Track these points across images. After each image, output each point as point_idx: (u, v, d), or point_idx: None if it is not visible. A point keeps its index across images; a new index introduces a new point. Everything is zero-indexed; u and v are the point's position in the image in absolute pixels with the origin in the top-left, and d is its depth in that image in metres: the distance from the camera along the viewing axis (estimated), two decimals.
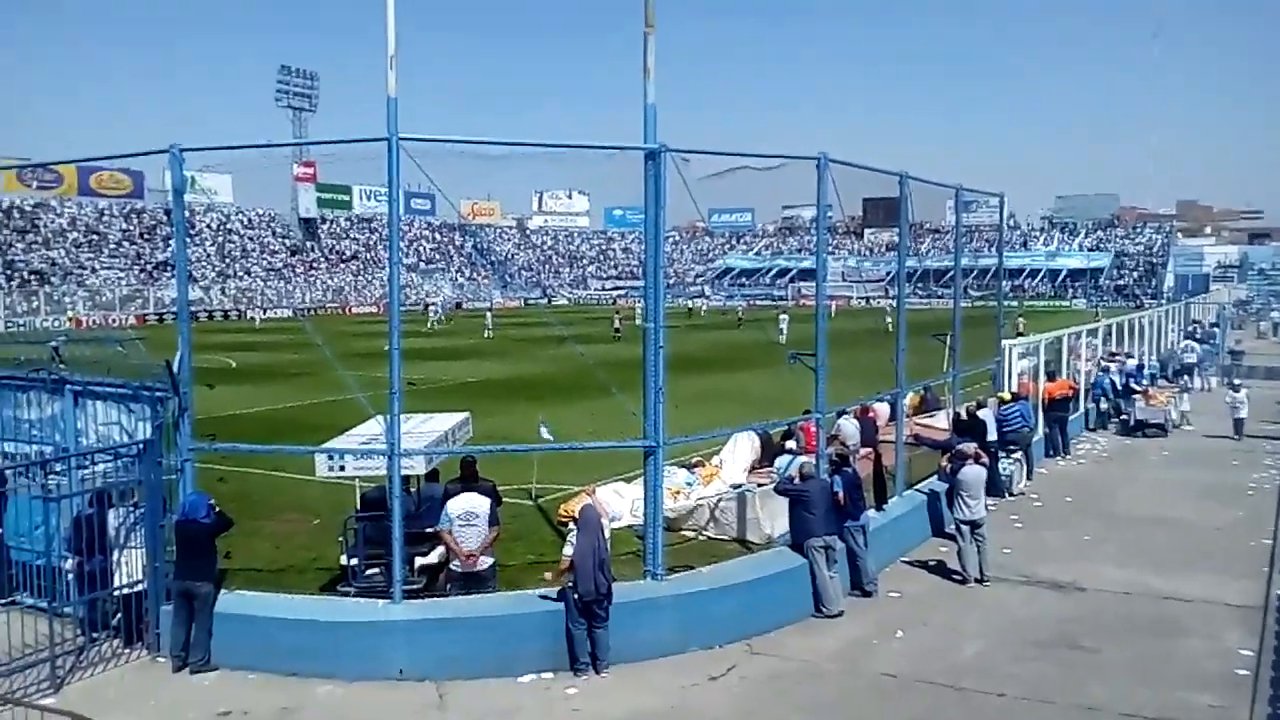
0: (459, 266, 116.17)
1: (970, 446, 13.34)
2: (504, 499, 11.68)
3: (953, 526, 12.84)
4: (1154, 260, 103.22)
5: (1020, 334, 25.50)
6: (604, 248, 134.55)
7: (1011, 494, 16.56)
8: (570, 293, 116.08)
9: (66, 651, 9.49)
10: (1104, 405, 23.41)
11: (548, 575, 10.06)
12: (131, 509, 10.02)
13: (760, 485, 13.59)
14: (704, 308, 79.60)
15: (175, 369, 9.92)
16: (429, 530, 10.35)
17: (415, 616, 9.56)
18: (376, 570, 10.31)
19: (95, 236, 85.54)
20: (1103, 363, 24.48)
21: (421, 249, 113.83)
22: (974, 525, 12.40)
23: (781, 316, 46.78)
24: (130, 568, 9.87)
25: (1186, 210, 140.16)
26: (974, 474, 12.65)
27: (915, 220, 15.88)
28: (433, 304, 75.15)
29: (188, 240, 10.93)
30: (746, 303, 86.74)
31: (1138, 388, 23.64)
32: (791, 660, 9.90)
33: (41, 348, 12.70)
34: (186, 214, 10.87)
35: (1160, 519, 15.28)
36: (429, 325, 59.28)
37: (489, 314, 59.31)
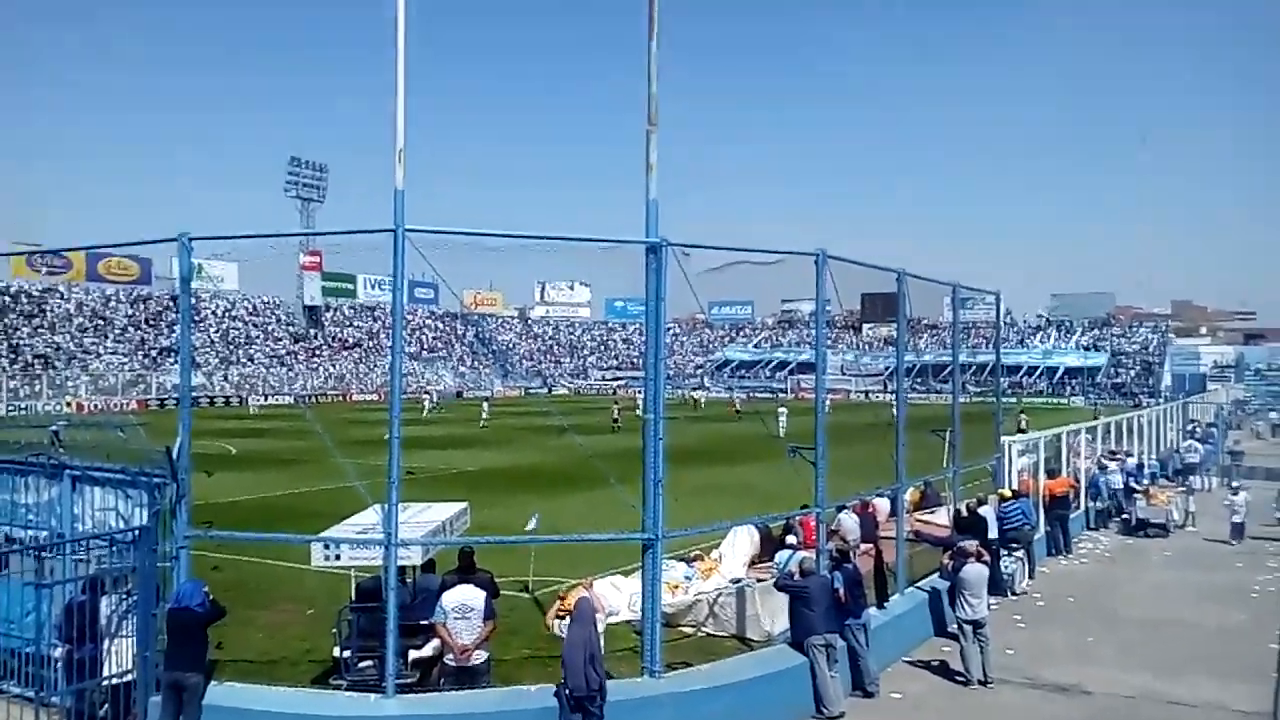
0: (460, 355, 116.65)
1: (972, 544, 13.26)
2: (501, 591, 11.57)
3: (955, 626, 12.68)
4: (1150, 359, 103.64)
5: (1022, 430, 25.48)
6: (605, 338, 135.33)
7: (1014, 593, 16.38)
8: (570, 382, 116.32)
9: None
10: (1101, 504, 23.30)
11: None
12: (124, 596, 9.91)
13: (760, 580, 13.47)
14: (703, 399, 79.64)
15: (175, 455, 9.93)
16: (424, 623, 10.22)
17: (408, 712, 9.38)
18: (370, 663, 10.15)
19: (101, 321, 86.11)
20: (1101, 461, 24.43)
21: (424, 337, 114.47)
22: (976, 625, 12.24)
23: (780, 410, 46.74)
24: (120, 657, 9.72)
25: (1181, 310, 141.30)
26: (976, 572, 12.53)
27: (913, 316, 16.03)
28: (427, 392, 75.35)
29: (192, 326, 11.02)
30: (745, 394, 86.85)
31: (1138, 487, 23.55)
32: None
33: (41, 432, 12.71)
34: (192, 301, 10.99)
35: (1164, 620, 15.09)
36: (424, 413, 59.33)
37: (485, 403, 59.30)
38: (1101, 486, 23.30)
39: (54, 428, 13.84)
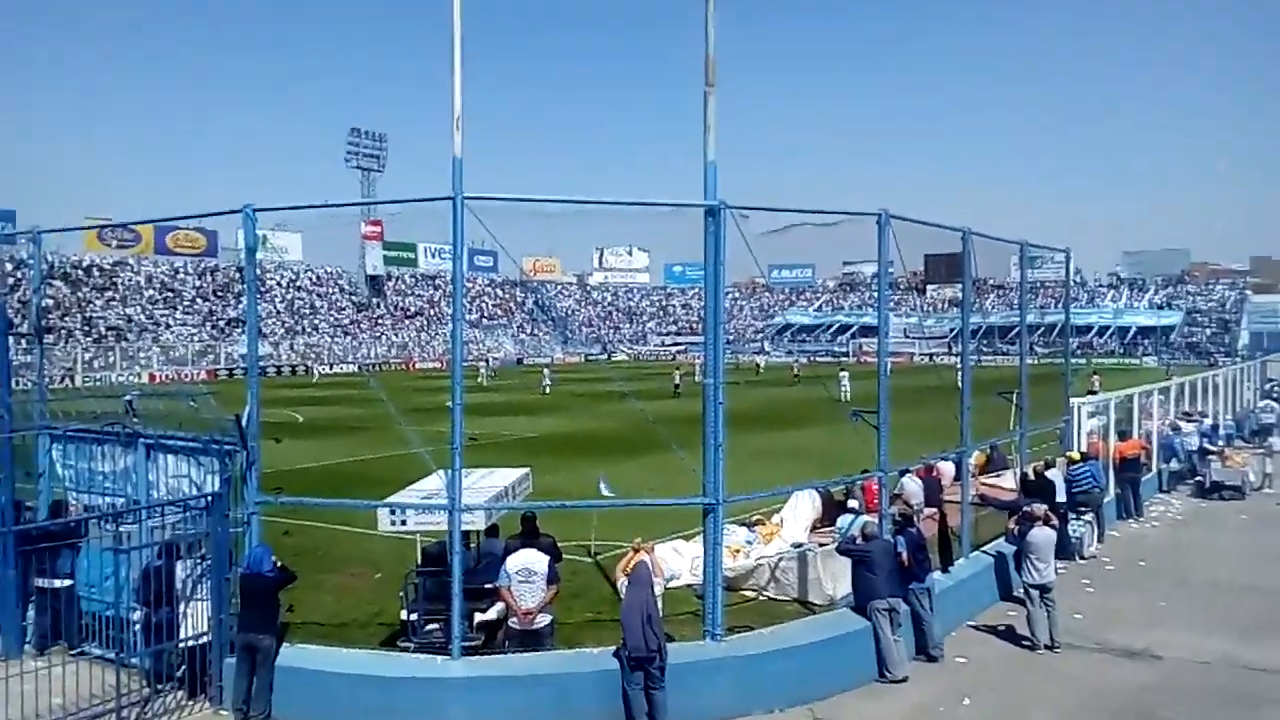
0: (520, 323, 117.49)
1: (1039, 508, 13.02)
2: (564, 555, 11.66)
3: (1021, 590, 12.50)
4: (1227, 317, 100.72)
5: (1094, 391, 24.92)
6: (663, 303, 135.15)
7: (1082, 557, 16.09)
8: (630, 348, 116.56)
9: (132, 703, 9.61)
10: (1176, 466, 22.74)
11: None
12: (199, 561, 10.18)
13: (822, 545, 13.40)
14: (764, 364, 79.28)
15: (244, 423, 10.12)
16: (488, 586, 10.36)
17: (474, 673, 9.53)
18: (436, 626, 10.32)
19: (170, 293, 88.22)
20: (1175, 422, 23.83)
21: (484, 305, 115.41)
22: (1043, 590, 12.04)
23: (842, 374, 46.31)
24: (196, 620, 10.00)
25: (1260, 265, 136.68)
26: (1043, 536, 12.32)
27: (979, 276, 15.70)
28: (484, 360, 76.04)
29: (258, 297, 11.21)
30: (806, 359, 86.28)
31: (1213, 448, 22.94)
32: None
33: (116, 402, 13.05)
34: (258, 272, 11.17)
35: (1240, 585, 14.72)
36: (479, 380, 59.87)
37: (547, 370, 59.64)
38: (1176, 448, 22.75)
39: (128, 398, 14.20)
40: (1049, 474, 16.08)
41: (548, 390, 52.77)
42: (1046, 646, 11.82)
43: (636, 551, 10.26)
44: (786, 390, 51.57)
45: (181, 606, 9.98)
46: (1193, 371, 34.96)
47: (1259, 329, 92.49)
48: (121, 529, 10.82)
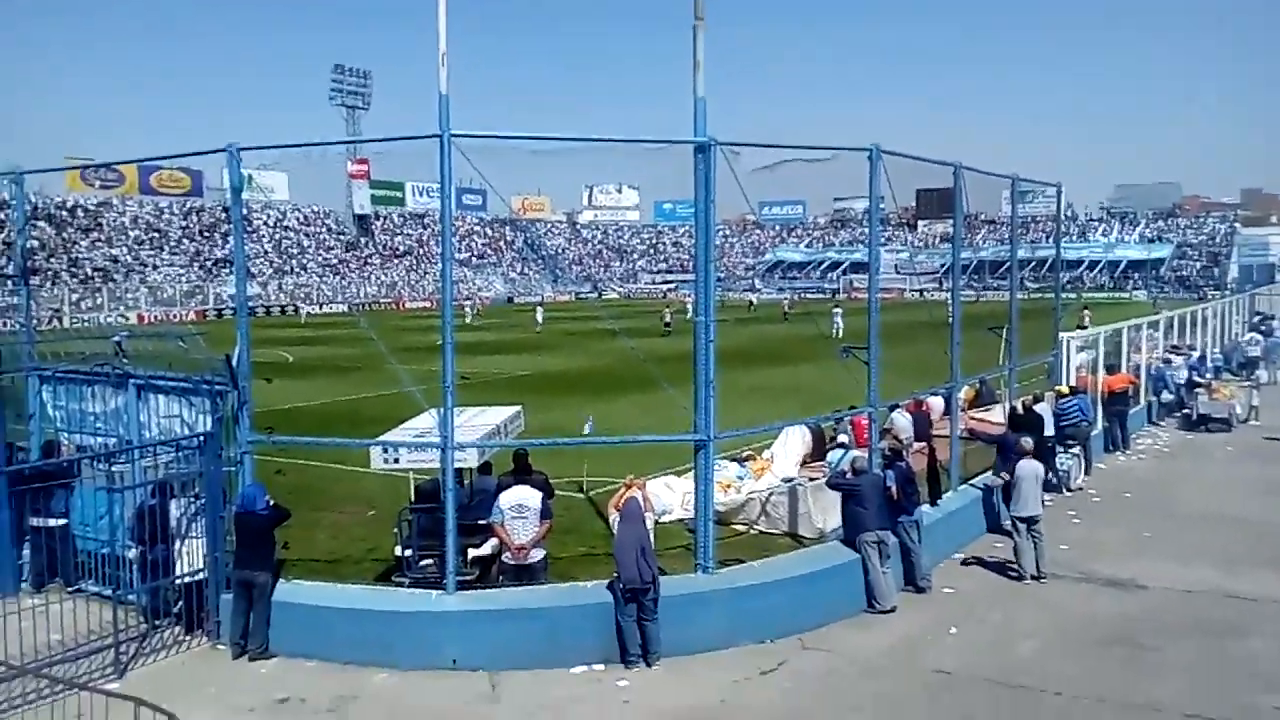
0: (510, 261, 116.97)
1: (1026, 441, 13.14)
2: (556, 492, 11.76)
3: (1009, 522, 12.66)
4: (1217, 250, 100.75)
5: (1083, 326, 25.00)
6: (654, 241, 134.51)
7: (1069, 489, 16.28)
8: (620, 286, 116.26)
9: (130, 638, 9.72)
10: (1166, 398, 22.90)
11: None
12: (192, 500, 10.24)
13: (812, 479, 13.52)
14: (756, 300, 79.28)
15: (234, 363, 10.11)
16: (481, 522, 10.45)
17: (468, 607, 9.65)
18: (430, 561, 10.44)
19: (156, 234, 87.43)
20: (1166, 355, 23.94)
21: (473, 244, 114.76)
22: (1030, 521, 12.20)
23: (835, 310, 46.31)
24: (191, 557, 10.09)
25: (1251, 199, 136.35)
26: (1030, 468, 12.45)
27: (970, 211, 15.64)
28: (469, 299, 75.78)
29: (245, 237, 11.12)
30: (797, 295, 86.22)
31: (1201, 381, 23.10)
32: (843, 656, 9.84)
33: (105, 343, 13.01)
34: (244, 211, 11.06)
35: (1224, 516, 14.92)
36: (465, 320, 59.57)
37: (539, 309, 59.52)
38: (1169, 380, 22.88)
39: (117, 339, 14.15)
40: (1037, 408, 16.20)
41: (540, 328, 52.72)
42: (1033, 577, 12.01)
43: (629, 487, 10.34)
44: (777, 327, 51.63)
45: (177, 544, 10.05)
46: (1181, 305, 35.05)
47: (1248, 262, 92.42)
48: (114, 469, 10.86)
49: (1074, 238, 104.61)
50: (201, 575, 10.09)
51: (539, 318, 55.66)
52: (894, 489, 11.42)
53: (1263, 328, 34.93)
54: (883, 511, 11.16)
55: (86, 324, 57.39)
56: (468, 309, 66.06)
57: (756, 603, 10.23)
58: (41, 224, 77.34)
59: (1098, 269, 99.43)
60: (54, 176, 79.03)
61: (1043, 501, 12.65)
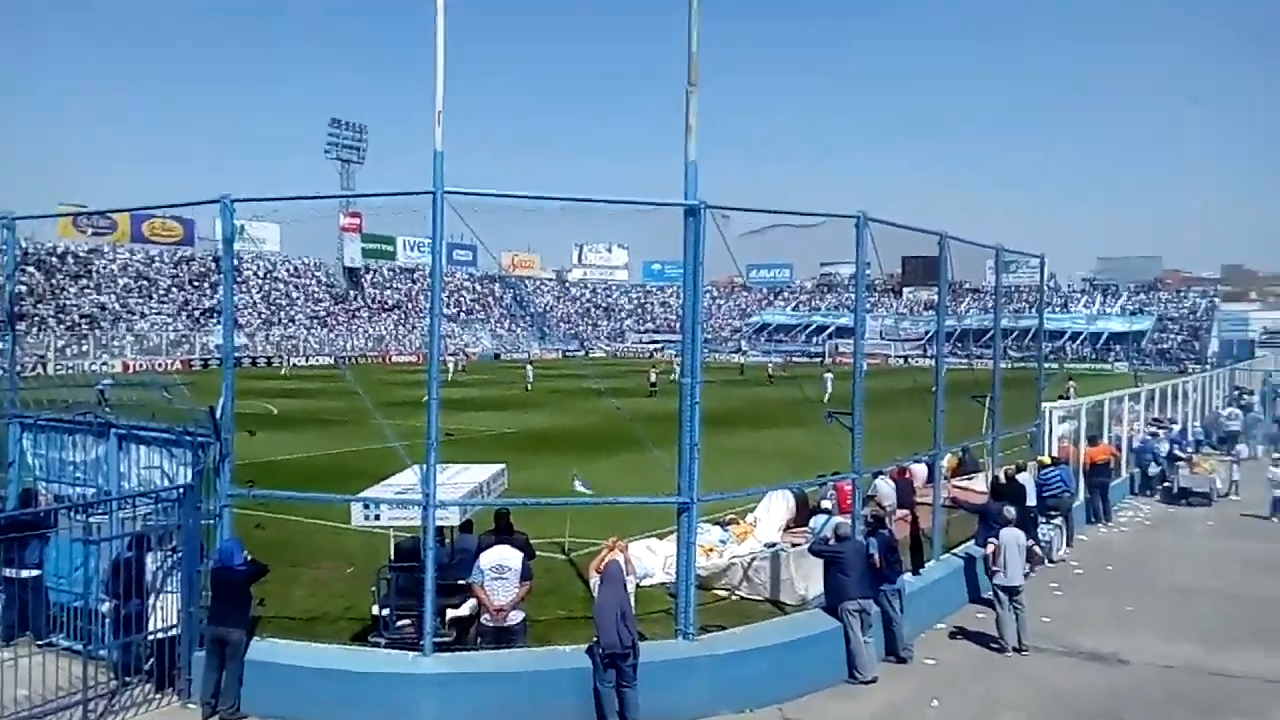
0: (498, 317, 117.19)
1: (1009, 511, 13.16)
2: (537, 552, 11.67)
3: (990, 592, 12.62)
4: (1197, 325, 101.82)
5: (1065, 397, 25.16)
6: (642, 300, 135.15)
7: (1052, 561, 16.26)
8: (608, 345, 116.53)
9: (99, 695, 9.54)
10: (1153, 470, 22.97)
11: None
12: (169, 553, 10.11)
13: (795, 545, 13.47)
14: (745, 363, 79.39)
15: (218, 415, 10.06)
16: (461, 583, 10.35)
17: (445, 670, 9.52)
18: (408, 621, 10.30)
19: (145, 282, 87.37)
20: (1151, 429, 24.09)
21: (462, 299, 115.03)
22: (1012, 591, 12.17)
23: (826, 374, 46.36)
24: (165, 612, 9.94)
25: (1232, 274, 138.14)
26: (1012, 537, 12.45)
27: (955, 279, 15.81)
28: (453, 355, 75.48)
29: (234, 287, 11.14)
30: (783, 358, 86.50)
31: (1182, 455, 23.22)
32: None
33: (89, 391, 12.95)
34: (234, 262, 11.10)
35: (1205, 590, 14.91)
36: (446, 377, 59.21)
37: (529, 366, 59.42)
38: (1154, 453, 22.97)
39: (100, 386, 14.08)
40: (1019, 478, 16.24)
41: (530, 386, 52.63)
42: (1015, 649, 11.95)
43: (611, 549, 10.27)
44: (764, 390, 51.72)
45: (151, 599, 9.91)
46: (1162, 378, 35.35)
47: (1229, 337, 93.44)
48: (92, 520, 10.73)
49: (1057, 309, 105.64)
50: (175, 631, 9.93)
51: (530, 375, 55.56)
52: (876, 556, 11.39)
53: (1241, 402, 35.24)
54: (865, 579, 11.12)
55: (71, 371, 57.06)
56: (450, 364, 65.76)
57: (738, 671, 10.13)
58: (31, 269, 77.23)
59: (1080, 340, 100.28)
60: (46, 222, 79.04)
61: (1025, 573, 12.62)
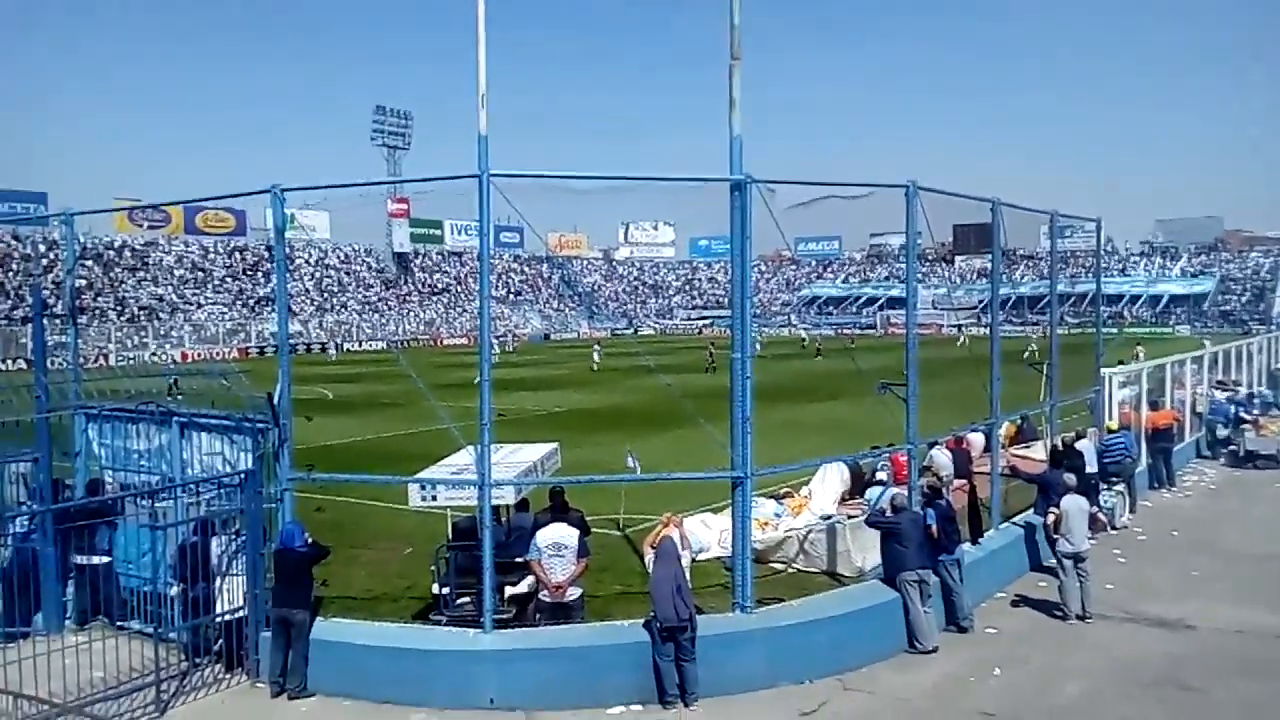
0: (547, 298, 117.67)
1: (1070, 477, 12.96)
2: (592, 529, 11.72)
3: (1053, 560, 12.45)
4: (1262, 284, 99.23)
5: (1134, 359, 24.64)
6: (690, 277, 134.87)
7: (1115, 527, 15.99)
8: (657, 322, 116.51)
9: (171, 676, 9.78)
10: (1221, 432, 22.46)
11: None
12: (233, 537, 10.32)
13: (850, 517, 13.39)
14: (805, 336, 77.92)
15: (276, 401, 10.22)
16: (519, 560, 10.44)
17: (505, 646, 9.63)
18: (467, 599, 10.43)
19: (200, 273, 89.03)
20: (1218, 390, 23.57)
21: (510, 281, 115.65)
22: (1076, 558, 12.00)
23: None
24: (231, 595, 10.15)
25: None
26: (1075, 504, 12.25)
27: (1008, 247, 15.54)
28: (500, 337, 75.65)
29: (287, 275, 11.28)
30: (833, 330, 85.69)
31: (1248, 417, 22.67)
32: (885, 697, 9.68)
33: (151, 381, 13.20)
34: (286, 250, 11.24)
35: (1274, 555, 14.58)
36: (499, 355, 59.22)
37: (597, 346, 58.62)
38: (1226, 414, 22.47)
39: (172, 377, 14.36)
40: (1079, 445, 15.98)
41: (596, 367, 51.87)
42: (1078, 617, 11.78)
43: (666, 525, 10.29)
44: (815, 363, 51.42)
45: (217, 582, 10.13)
46: (1226, 340, 34.51)
47: None
48: (157, 506, 10.99)
49: (1115, 273, 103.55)
50: (242, 613, 10.13)
51: (596, 356, 54.71)
52: (934, 527, 11.28)
53: None
54: (923, 550, 11.02)
55: (132, 361, 58.31)
56: (495, 345, 65.42)
57: (796, 642, 10.11)
58: (90, 264, 79.05)
59: (1139, 304, 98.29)
60: (103, 217, 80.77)
61: (1089, 539, 12.43)
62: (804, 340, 73.71)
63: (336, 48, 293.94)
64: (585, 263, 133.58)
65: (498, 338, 72.57)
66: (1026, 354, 19.53)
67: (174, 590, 10.22)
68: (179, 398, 12.11)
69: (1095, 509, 14.58)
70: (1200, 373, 24.30)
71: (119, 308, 77.53)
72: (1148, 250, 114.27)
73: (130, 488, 11.74)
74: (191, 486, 10.89)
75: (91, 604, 11.26)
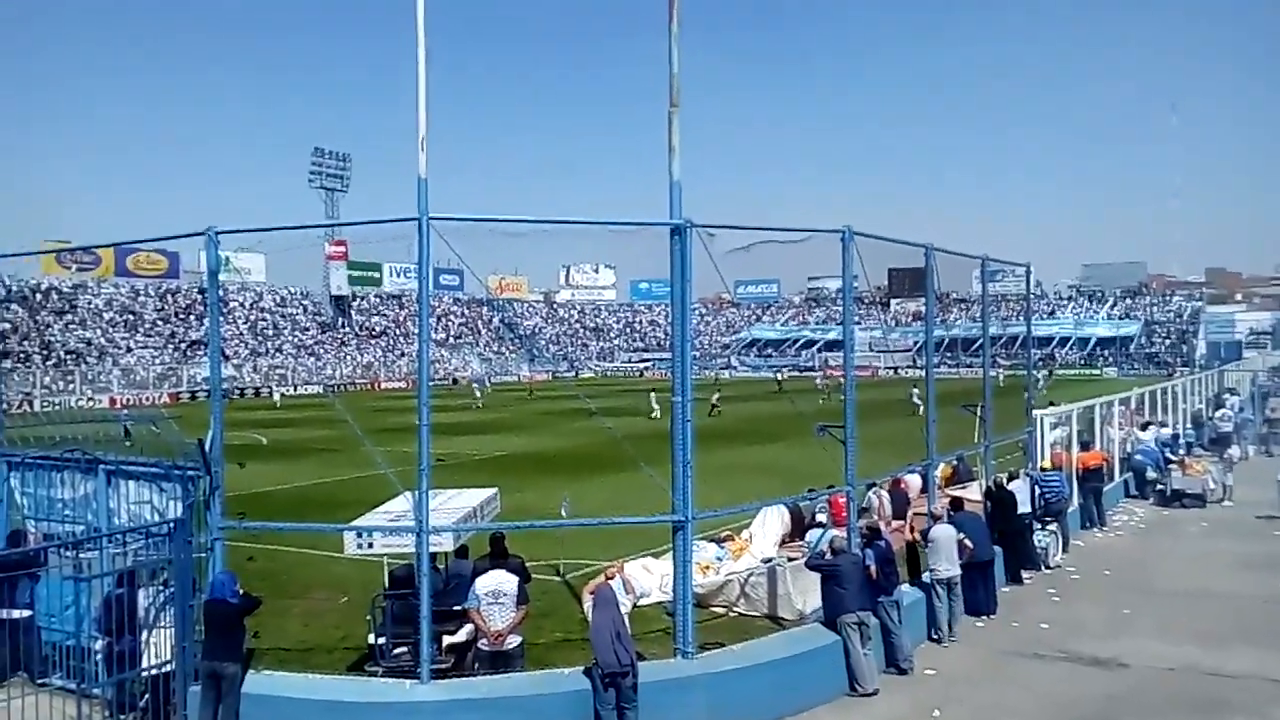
0: (487, 341, 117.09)
1: (940, 507, 13.49)
2: (533, 575, 11.61)
3: (929, 581, 12.83)
4: (1184, 328, 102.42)
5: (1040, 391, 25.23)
6: (631, 320, 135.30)
7: (1048, 567, 16.24)
8: (597, 365, 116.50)
9: None
10: (1150, 475, 22.98)
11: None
12: (161, 588, 10.02)
13: (791, 560, 13.43)
14: (781, 378, 76.57)
15: (207, 447, 10.00)
16: (457, 608, 10.28)
17: (443, 697, 9.43)
18: (404, 649, 10.23)
19: (131, 316, 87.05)
20: (1144, 430, 24.18)
21: (450, 324, 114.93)
22: (949, 584, 12.60)
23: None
24: (159, 648, 9.83)
25: (1216, 277, 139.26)
26: (945, 533, 12.81)
27: (941, 290, 15.86)
28: (477, 383, 73.13)
29: (221, 318, 11.11)
30: (774, 372, 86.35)
31: (1174, 457, 23.27)
32: None
33: (76, 427, 12.84)
34: (220, 293, 11.07)
35: (1203, 592, 14.91)
36: (479, 404, 56.90)
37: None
38: (1155, 457, 23.00)
39: (124, 423, 13.92)
40: (1011, 486, 16.25)
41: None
42: (947, 637, 12.44)
43: (609, 578, 10.21)
44: (760, 405, 51.71)
45: (144, 635, 9.81)
46: (1152, 382, 35.45)
47: (1215, 339, 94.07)
48: (82, 557, 10.64)
49: (1044, 316, 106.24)
50: (169, 667, 9.82)
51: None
52: (874, 568, 11.38)
53: (1228, 403, 35.32)
54: (863, 591, 11.10)
55: (57, 407, 56.67)
56: (477, 390, 62.64)
57: (738, 687, 10.06)
58: (14, 306, 76.93)
59: (1068, 346, 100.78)
60: (29, 259, 78.81)
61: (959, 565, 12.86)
62: (779, 380, 72.49)
63: (274, 89, 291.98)
64: (526, 305, 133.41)
65: (475, 382, 69.37)
66: (913, 396, 19.82)
67: (98, 644, 9.86)
68: (128, 445, 11.78)
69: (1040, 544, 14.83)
70: (1128, 414, 24.94)
71: (45, 352, 75.41)
72: (1075, 294, 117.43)
73: (54, 538, 11.36)
74: (118, 536, 10.56)
75: (11, 660, 10.80)
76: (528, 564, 11.41)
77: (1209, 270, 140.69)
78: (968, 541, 12.74)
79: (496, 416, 49.02)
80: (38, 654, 10.74)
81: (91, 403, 64.87)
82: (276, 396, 73.39)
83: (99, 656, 9.87)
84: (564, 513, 13.61)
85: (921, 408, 16.58)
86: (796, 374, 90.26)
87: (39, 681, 10.51)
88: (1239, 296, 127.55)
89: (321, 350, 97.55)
